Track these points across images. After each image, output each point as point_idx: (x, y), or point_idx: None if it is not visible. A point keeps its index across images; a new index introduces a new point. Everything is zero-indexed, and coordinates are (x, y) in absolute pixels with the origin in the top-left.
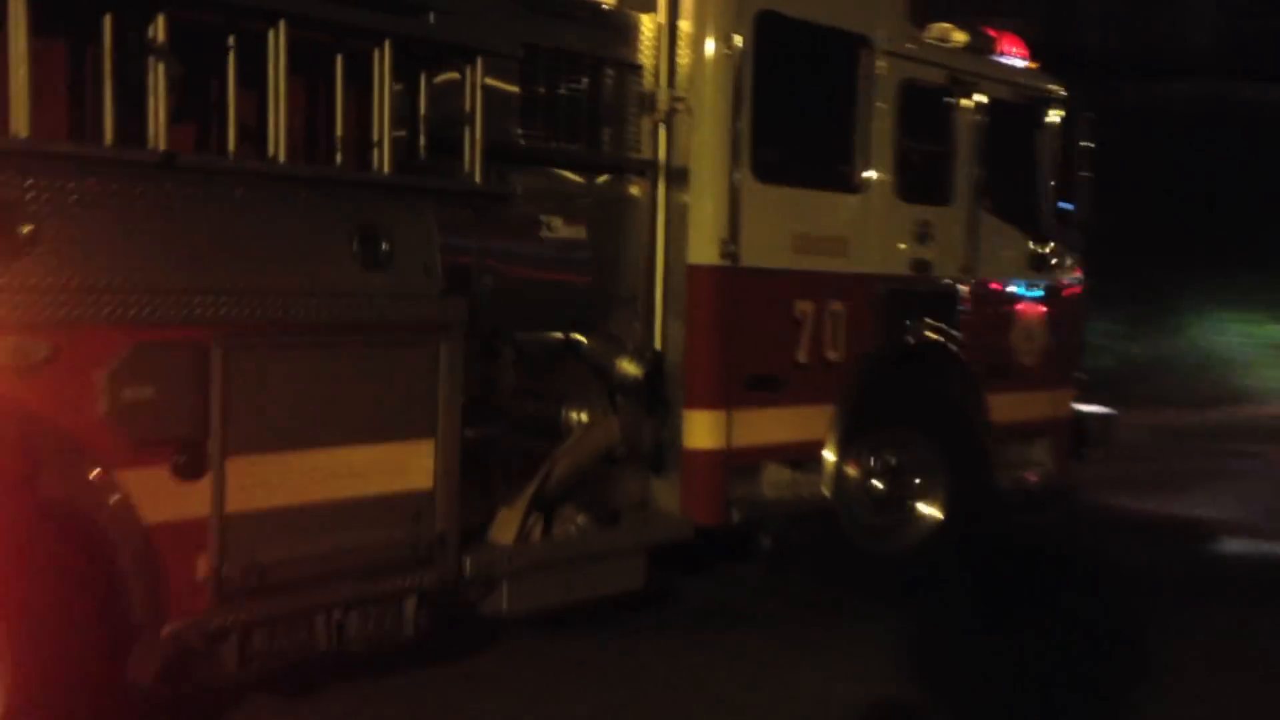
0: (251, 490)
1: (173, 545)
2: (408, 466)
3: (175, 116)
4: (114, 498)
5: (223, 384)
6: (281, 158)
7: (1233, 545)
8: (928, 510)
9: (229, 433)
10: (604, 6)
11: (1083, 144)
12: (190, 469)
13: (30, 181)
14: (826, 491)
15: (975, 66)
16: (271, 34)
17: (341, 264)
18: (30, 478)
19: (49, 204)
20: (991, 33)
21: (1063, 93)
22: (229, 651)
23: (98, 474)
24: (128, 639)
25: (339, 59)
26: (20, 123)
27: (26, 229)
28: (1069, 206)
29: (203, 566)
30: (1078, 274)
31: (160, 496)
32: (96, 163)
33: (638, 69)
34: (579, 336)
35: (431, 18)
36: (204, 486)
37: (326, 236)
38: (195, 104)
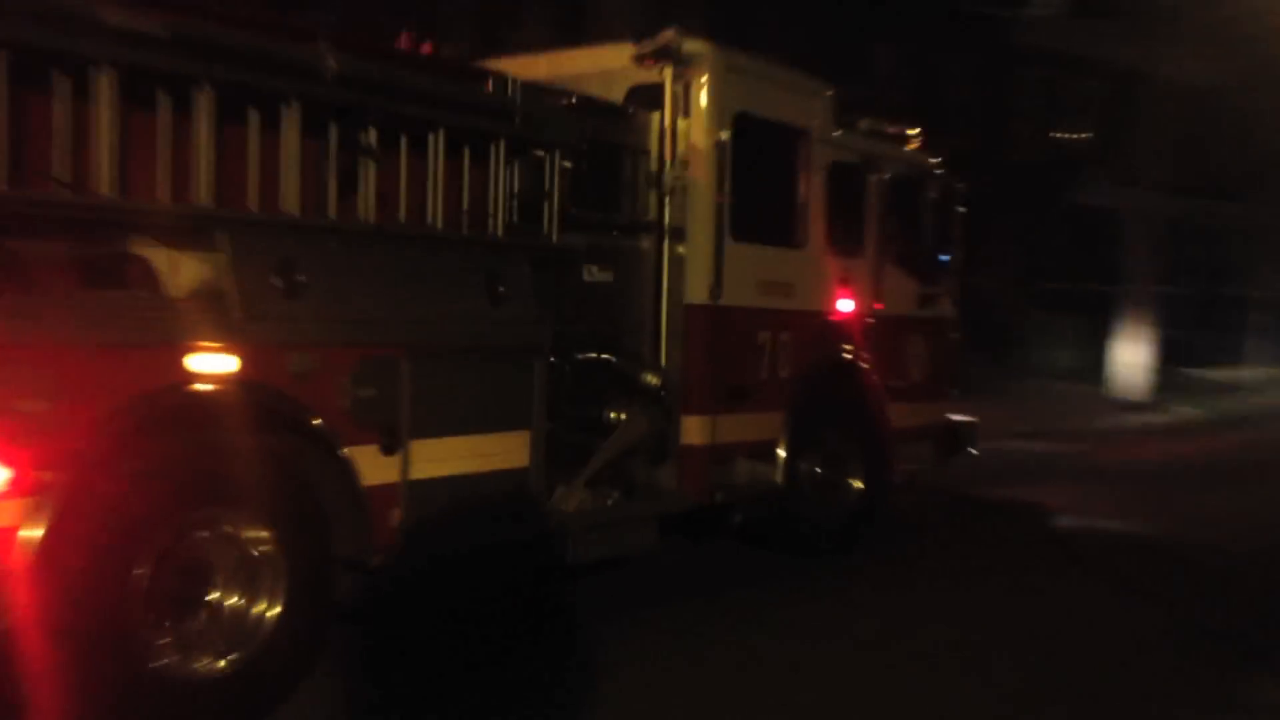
0: (424, 464)
1: (379, 501)
2: (514, 450)
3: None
4: (348, 467)
5: (409, 387)
6: (439, 225)
7: (1049, 520)
8: (854, 489)
9: (412, 422)
10: (628, 108)
11: (957, 209)
12: (390, 447)
13: (301, 245)
14: (779, 479)
15: (881, 150)
16: (431, 138)
17: (476, 302)
18: (298, 453)
19: (311, 260)
20: (894, 125)
21: (942, 171)
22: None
23: (340, 450)
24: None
25: (467, 152)
26: (291, 203)
27: (302, 278)
28: (946, 257)
29: (395, 516)
30: (953, 310)
31: (373, 466)
32: (336, 231)
33: (648, 154)
34: (610, 356)
35: (518, 120)
36: (397, 460)
37: (467, 282)
38: (386, 187)
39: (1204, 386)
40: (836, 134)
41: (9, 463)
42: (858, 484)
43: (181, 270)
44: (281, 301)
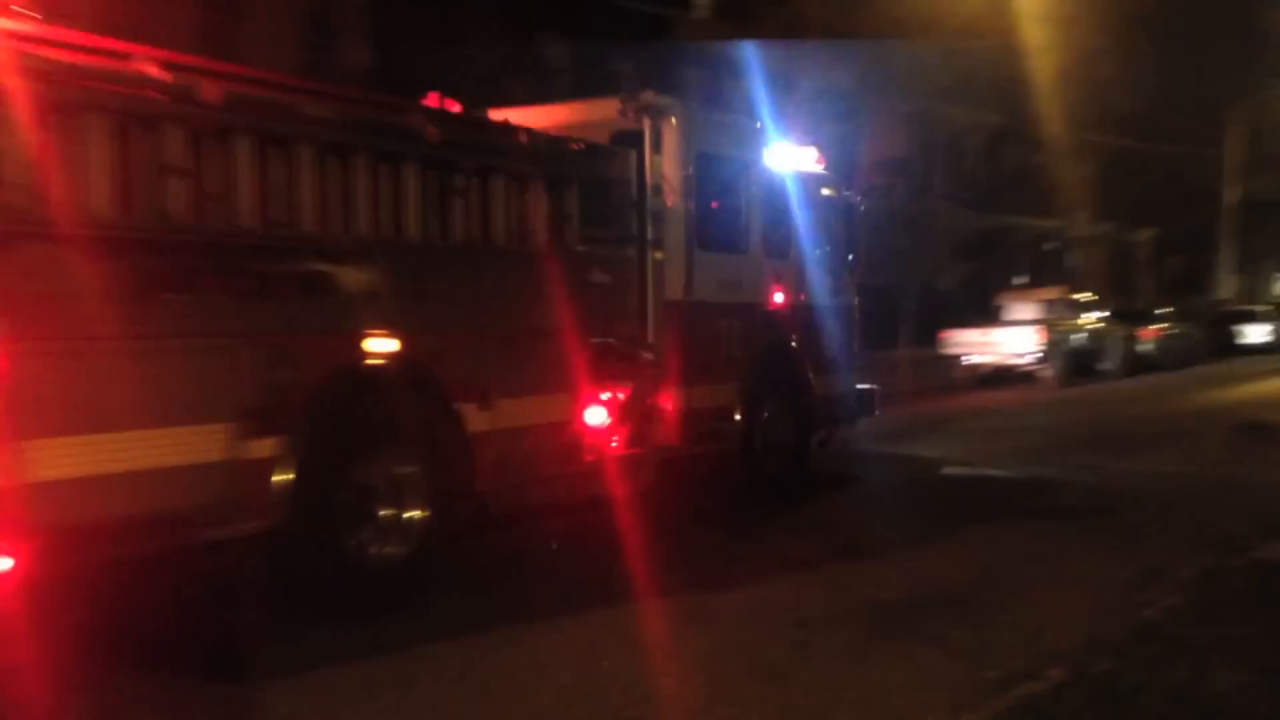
0: (506, 416)
1: (481, 444)
2: (565, 406)
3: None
4: (459, 418)
5: (495, 360)
6: (502, 243)
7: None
8: (790, 444)
9: (501, 387)
10: (615, 149)
11: (857, 218)
12: (486, 405)
13: (425, 260)
14: (737, 437)
15: (806, 172)
16: (494, 180)
17: (531, 298)
18: (431, 409)
19: (432, 270)
20: (809, 148)
21: (848, 189)
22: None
23: (454, 405)
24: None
25: (514, 188)
26: (414, 229)
27: (427, 283)
28: (852, 256)
29: (491, 455)
30: (856, 301)
31: (474, 418)
32: (446, 249)
33: (630, 183)
34: (613, 340)
35: (547, 162)
36: (489, 414)
37: (525, 283)
38: (468, 215)
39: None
40: (766, 161)
41: (268, 413)
42: (792, 440)
43: (354, 280)
44: (416, 300)
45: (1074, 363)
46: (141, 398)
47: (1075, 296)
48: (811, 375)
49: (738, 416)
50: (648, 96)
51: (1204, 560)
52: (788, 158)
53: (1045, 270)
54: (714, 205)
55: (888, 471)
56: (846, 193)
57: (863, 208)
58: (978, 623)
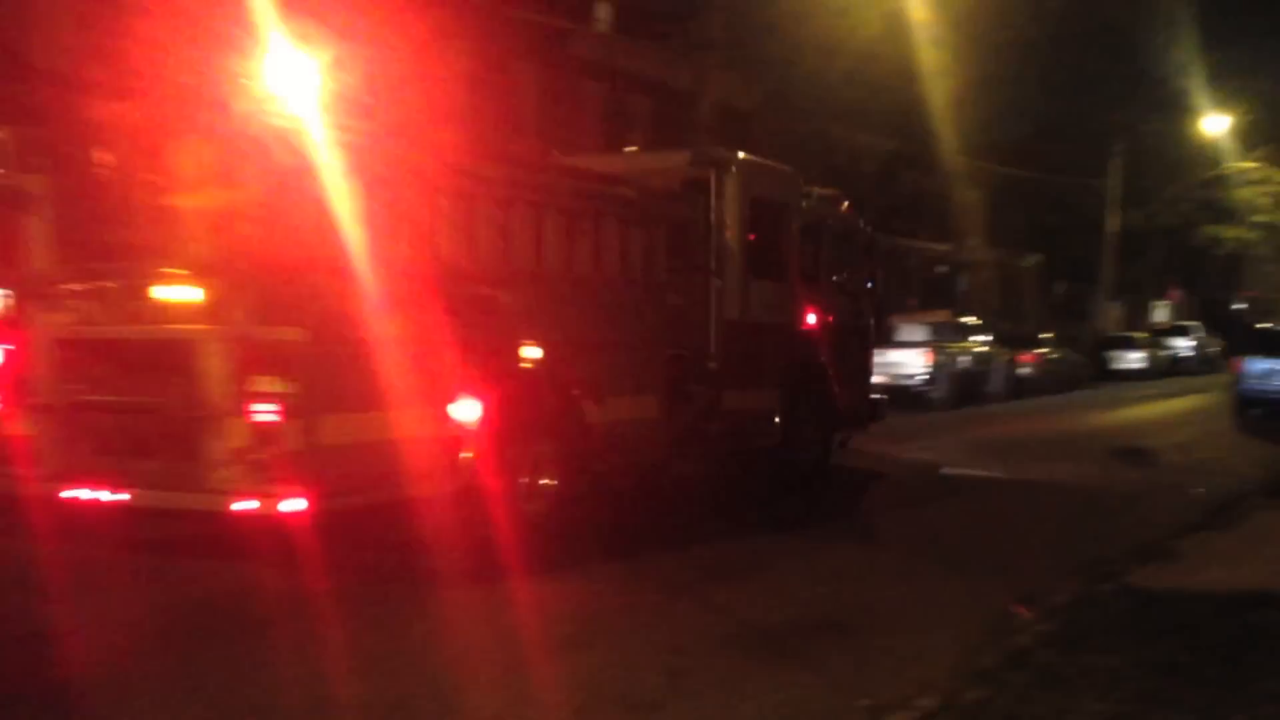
0: (612, 410)
1: (595, 432)
2: (652, 405)
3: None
4: (583, 412)
5: (603, 366)
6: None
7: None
8: (817, 443)
9: (608, 387)
10: (694, 195)
11: (874, 250)
12: (599, 401)
13: (559, 287)
14: (778, 435)
15: (828, 211)
16: (607, 222)
17: (633, 317)
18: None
19: (566, 295)
20: (834, 191)
21: (864, 224)
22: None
23: (580, 402)
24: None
25: (621, 227)
26: (554, 263)
27: (561, 306)
28: (870, 283)
29: (601, 440)
30: (872, 321)
31: (591, 411)
32: (577, 279)
33: (697, 223)
34: (684, 352)
35: (642, 207)
36: (600, 409)
37: (629, 306)
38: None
39: None
40: (803, 204)
41: (465, 405)
42: (819, 440)
43: (510, 301)
44: (553, 319)
45: (959, 385)
46: (390, 386)
47: (961, 320)
48: (835, 385)
49: (777, 419)
50: (715, 151)
51: (1077, 585)
52: (817, 200)
53: (936, 293)
54: (761, 240)
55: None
56: (864, 228)
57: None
58: (856, 648)
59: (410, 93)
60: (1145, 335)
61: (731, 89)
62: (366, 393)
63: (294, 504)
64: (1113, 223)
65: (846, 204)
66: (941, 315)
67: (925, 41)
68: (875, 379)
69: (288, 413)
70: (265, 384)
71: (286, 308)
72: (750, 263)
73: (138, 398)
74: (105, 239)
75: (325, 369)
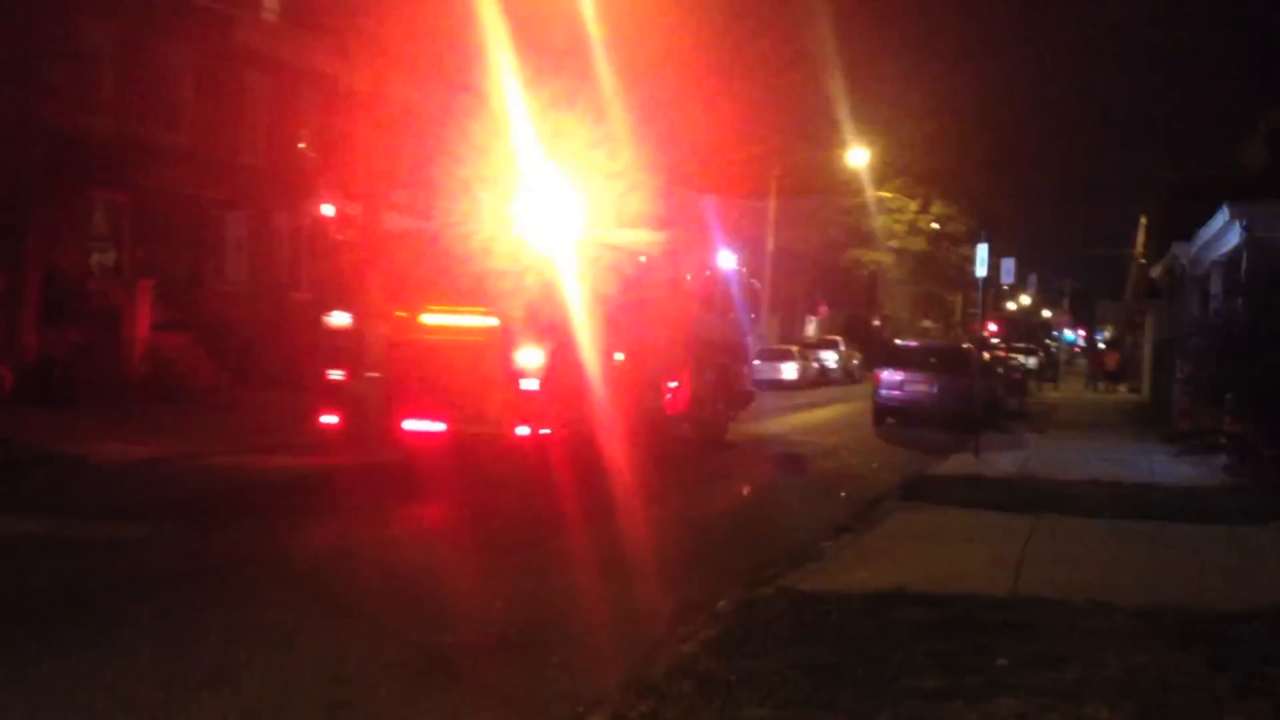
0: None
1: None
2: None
3: None
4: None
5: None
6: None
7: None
8: (723, 416)
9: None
10: (670, 260)
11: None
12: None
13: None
14: (721, 409)
15: (737, 269)
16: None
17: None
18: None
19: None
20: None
21: (751, 276)
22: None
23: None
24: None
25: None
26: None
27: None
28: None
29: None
30: (751, 337)
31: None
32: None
33: (677, 275)
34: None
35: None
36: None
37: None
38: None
39: None
40: (719, 260)
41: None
42: (727, 414)
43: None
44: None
45: None
46: (591, 373)
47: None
48: (735, 378)
49: (718, 401)
50: (679, 232)
51: (738, 590)
52: (724, 258)
53: None
54: (706, 287)
55: None
56: (744, 273)
57: (755, 283)
58: (529, 666)
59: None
60: (797, 348)
61: (412, 89)
62: (581, 376)
63: (544, 431)
64: (770, 242)
65: (735, 257)
66: None
67: (600, 60)
68: None
69: (539, 385)
70: (527, 370)
71: (539, 331)
72: (701, 303)
73: (453, 373)
74: (423, 286)
75: (557, 364)
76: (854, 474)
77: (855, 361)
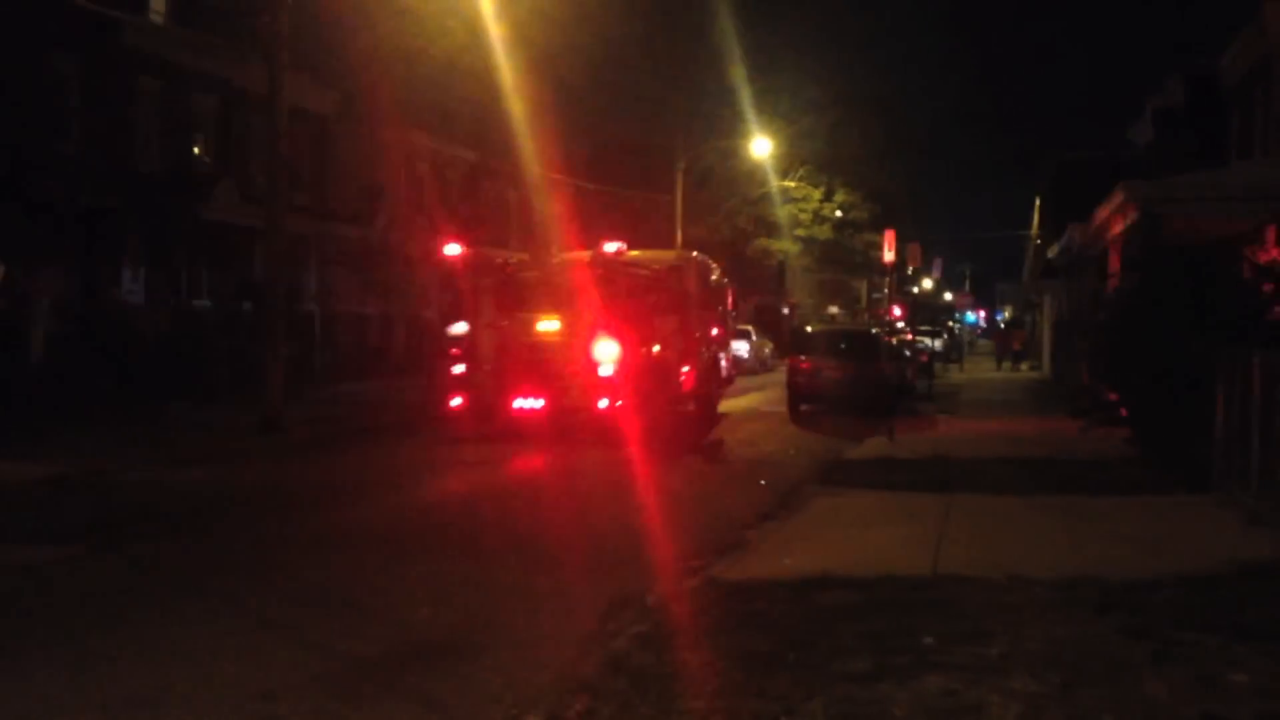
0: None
1: (684, 384)
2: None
3: None
4: (677, 372)
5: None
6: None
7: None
8: (711, 406)
9: (687, 361)
10: (678, 275)
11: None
12: (683, 366)
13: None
14: (716, 388)
15: (722, 280)
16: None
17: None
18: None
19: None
20: (721, 265)
21: (728, 282)
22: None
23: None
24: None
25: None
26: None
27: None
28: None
29: (690, 384)
30: (730, 333)
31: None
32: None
33: (683, 288)
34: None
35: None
36: (687, 372)
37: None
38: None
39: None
40: (713, 276)
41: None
42: (716, 394)
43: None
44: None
45: None
46: (648, 362)
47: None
48: (712, 375)
49: (711, 381)
50: (686, 253)
51: (668, 582)
52: (718, 273)
53: None
54: (703, 295)
55: None
56: (725, 281)
57: (730, 292)
58: (461, 671)
59: None
60: None
61: (304, 91)
62: (634, 364)
63: (618, 404)
64: (679, 235)
65: (720, 272)
66: None
67: (504, 56)
68: None
69: (613, 371)
70: (605, 361)
71: (607, 332)
72: (699, 305)
73: (548, 365)
74: (523, 302)
75: (621, 355)
76: (773, 461)
77: (767, 350)
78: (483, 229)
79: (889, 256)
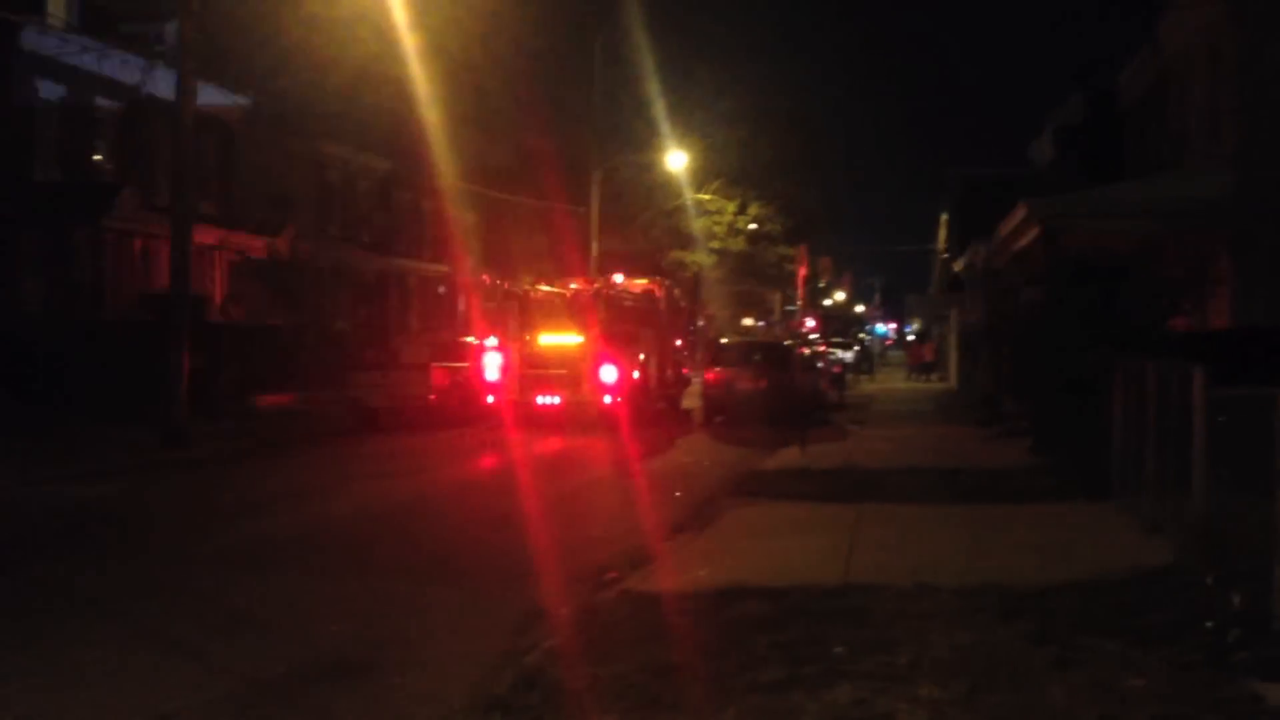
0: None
1: (656, 384)
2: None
3: None
4: (656, 374)
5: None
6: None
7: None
8: (678, 404)
9: (663, 365)
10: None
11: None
12: (661, 370)
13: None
14: (679, 393)
15: (689, 301)
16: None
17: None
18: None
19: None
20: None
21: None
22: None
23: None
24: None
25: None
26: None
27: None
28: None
29: (662, 384)
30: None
31: (658, 374)
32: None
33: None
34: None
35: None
36: (663, 374)
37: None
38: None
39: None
40: (678, 298)
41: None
42: (680, 392)
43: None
44: (648, 345)
45: None
46: (646, 368)
47: (466, 340)
48: (678, 378)
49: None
50: (659, 279)
51: (580, 596)
52: (682, 295)
53: (439, 313)
54: (671, 314)
55: None
56: (685, 302)
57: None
58: (369, 690)
59: None
60: None
61: (211, 99)
62: (630, 368)
63: (619, 400)
64: (595, 246)
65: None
66: (448, 335)
67: (418, 65)
68: (378, 400)
69: (615, 375)
70: (609, 368)
71: (609, 343)
72: (668, 320)
73: (563, 370)
74: (542, 321)
75: (626, 364)
76: (688, 472)
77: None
78: (399, 240)
79: (802, 270)
